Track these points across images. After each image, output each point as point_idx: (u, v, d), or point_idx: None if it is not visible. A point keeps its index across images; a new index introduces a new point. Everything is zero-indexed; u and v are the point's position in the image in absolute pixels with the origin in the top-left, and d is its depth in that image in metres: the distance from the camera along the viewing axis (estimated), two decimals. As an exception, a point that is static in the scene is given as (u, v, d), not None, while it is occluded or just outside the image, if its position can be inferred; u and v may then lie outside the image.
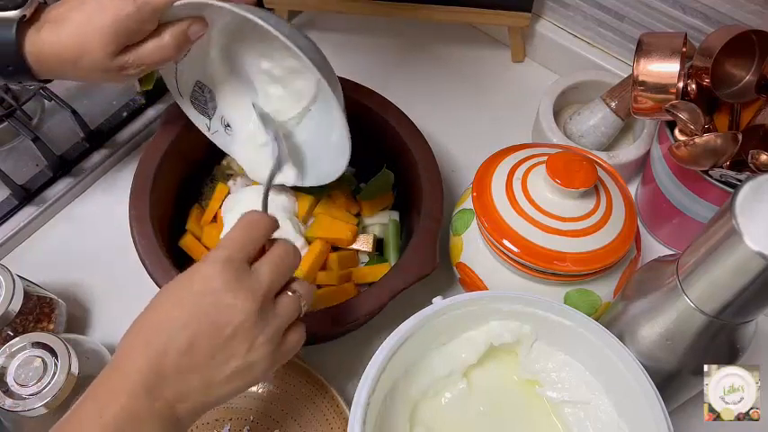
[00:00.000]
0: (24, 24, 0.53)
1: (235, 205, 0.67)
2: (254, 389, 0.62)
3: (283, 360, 0.46)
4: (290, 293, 0.46)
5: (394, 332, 0.52)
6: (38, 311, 0.63)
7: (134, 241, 0.60)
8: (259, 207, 0.49)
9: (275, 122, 0.63)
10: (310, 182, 0.64)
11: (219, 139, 0.67)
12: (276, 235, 0.47)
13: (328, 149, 0.62)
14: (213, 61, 0.63)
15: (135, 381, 0.41)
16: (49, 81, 0.59)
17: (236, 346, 0.43)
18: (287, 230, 0.64)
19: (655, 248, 0.74)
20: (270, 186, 0.53)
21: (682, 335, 0.50)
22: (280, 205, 0.66)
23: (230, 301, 0.42)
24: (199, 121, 0.65)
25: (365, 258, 0.68)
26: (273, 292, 0.45)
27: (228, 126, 0.66)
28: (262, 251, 0.46)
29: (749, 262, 0.42)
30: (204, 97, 0.65)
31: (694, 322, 0.48)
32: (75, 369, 0.55)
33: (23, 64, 0.53)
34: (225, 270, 0.43)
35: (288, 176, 0.64)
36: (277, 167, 0.56)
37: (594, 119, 0.76)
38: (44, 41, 0.53)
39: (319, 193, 0.68)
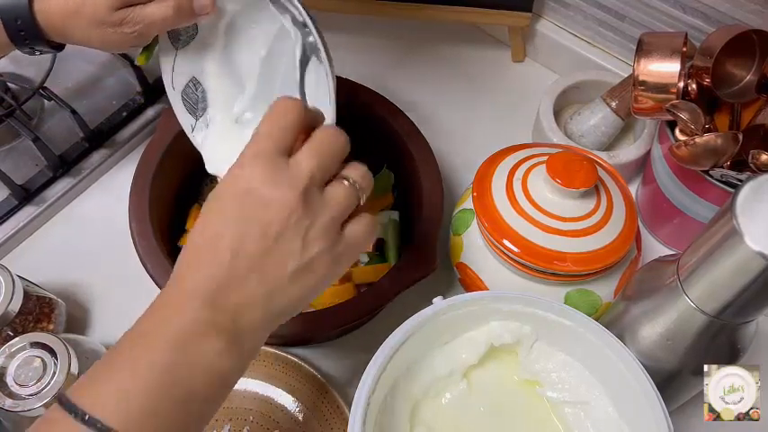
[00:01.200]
0: None
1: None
2: (254, 389, 0.62)
3: (350, 256, 0.42)
4: (343, 182, 0.42)
5: (394, 332, 0.52)
6: (37, 311, 0.63)
7: (134, 241, 0.60)
8: None
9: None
10: None
11: (197, 139, 0.64)
12: None
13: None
14: (213, 59, 0.62)
15: (192, 295, 0.39)
16: (59, 48, 0.59)
17: (288, 244, 0.39)
18: None
19: (655, 248, 0.74)
20: (305, 73, 0.49)
21: (682, 335, 0.50)
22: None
23: (269, 196, 0.39)
24: (184, 118, 0.64)
25: (365, 258, 0.68)
26: (319, 180, 0.41)
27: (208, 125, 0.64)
28: (304, 141, 0.42)
29: (750, 262, 0.42)
30: (196, 96, 0.63)
31: (695, 322, 0.48)
32: (74, 369, 0.55)
33: (34, 24, 0.54)
34: (255, 165, 0.40)
35: None
36: (305, 59, 0.52)
37: (595, 119, 0.76)
38: None
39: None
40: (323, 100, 0.56)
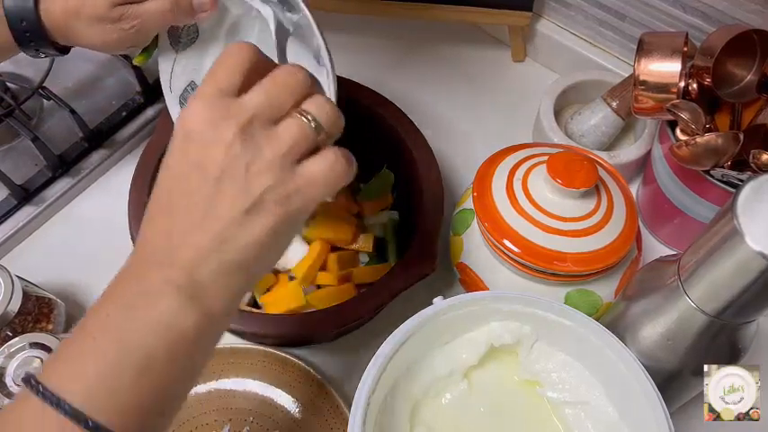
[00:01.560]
0: None
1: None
2: (254, 389, 0.62)
3: (307, 197, 0.38)
4: (297, 116, 0.38)
5: (394, 332, 0.52)
6: (37, 312, 0.63)
7: (133, 241, 0.60)
8: None
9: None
10: None
11: None
12: None
13: None
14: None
15: (146, 257, 0.38)
16: (63, 51, 0.59)
17: (230, 184, 0.37)
18: None
19: (656, 248, 0.74)
20: (284, 50, 0.49)
21: (683, 335, 0.50)
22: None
23: (209, 136, 0.37)
24: None
25: (365, 258, 0.68)
26: (268, 115, 0.38)
27: None
28: (256, 77, 0.39)
29: (750, 262, 0.41)
30: None
31: (695, 322, 0.48)
32: (74, 369, 0.54)
33: (39, 25, 0.55)
34: (195, 106, 0.38)
35: None
36: (281, 32, 0.51)
37: (595, 118, 0.75)
38: None
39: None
40: None
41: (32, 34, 0.56)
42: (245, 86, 0.38)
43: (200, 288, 0.37)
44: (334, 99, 0.53)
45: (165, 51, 0.61)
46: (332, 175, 0.39)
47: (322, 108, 0.39)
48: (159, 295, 0.36)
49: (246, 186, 0.37)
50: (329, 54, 0.52)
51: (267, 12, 0.53)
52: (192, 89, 0.63)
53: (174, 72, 0.62)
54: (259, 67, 0.39)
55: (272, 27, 0.52)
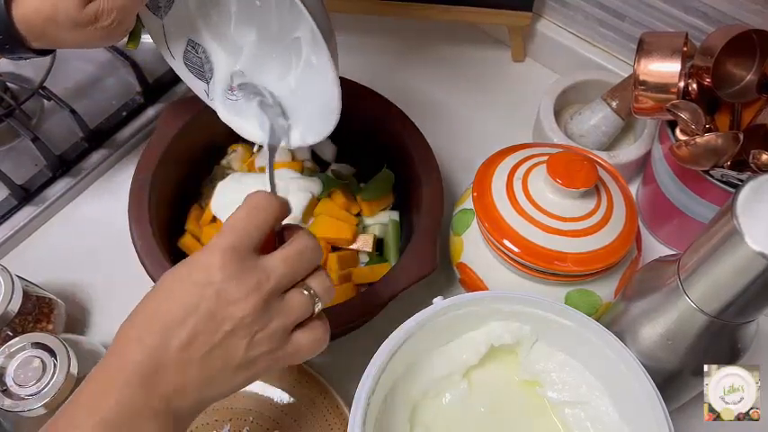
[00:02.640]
0: None
1: (226, 200, 0.65)
2: (254, 389, 0.62)
3: (290, 361, 0.44)
4: (303, 291, 0.43)
5: (394, 332, 0.52)
6: (37, 312, 0.63)
7: (133, 242, 0.60)
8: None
9: (256, 87, 0.58)
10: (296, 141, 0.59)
11: (222, 109, 0.62)
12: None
13: (314, 104, 0.58)
14: (201, 13, 0.59)
15: (131, 374, 0.39)
16: (45, 53, 0.57)
17: (236, 342, 0.41)
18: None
19: (655, 248, 0.74)
20: (273, 162, 0.48)
21: (683, 335, 0.50)
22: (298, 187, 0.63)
23: (231, 295, 0.40)
24: (195, 85, 0.62)
25: (365, 258, 0.68)
26: (283, 288, 0.42)
27: (234, 90, 0.61)
28: (272, 237, 0.43)
29: (750, 262, 0.41)
30: (199, 58, 0.61)
31: (695, 322, 0.48)
32: (74, 369, 0.55)
33: (14, 31, 0.52)
34: (226, 259, 0.40)
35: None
36: (274, 140, 0.52)
37: (595, 118, 0.75)
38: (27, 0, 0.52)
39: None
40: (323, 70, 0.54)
41: (6, 40, 0.53)
42: (267, 241, 0.43)
43: (173, 417, 0.41)
44: (335, 83, 0.52)
45: (151, 23, 0.59)
46: (316, 347, 0.44)
47: (323, 283, 0.44)
48: (137, 418, 0.39)
49: (248, 348, 0.41)
50: (324, 34, 0.50)
51: (262, 118, 0.55)
52: (192, 48, 0.61)
53: (168, 38, 0.60)
54: (280, 219, 0.44)
55: (266, 137, 0.53)
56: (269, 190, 0.46)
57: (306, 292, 0.43)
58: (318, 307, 0.44)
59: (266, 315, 0.41)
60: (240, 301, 0.40)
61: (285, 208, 0.44)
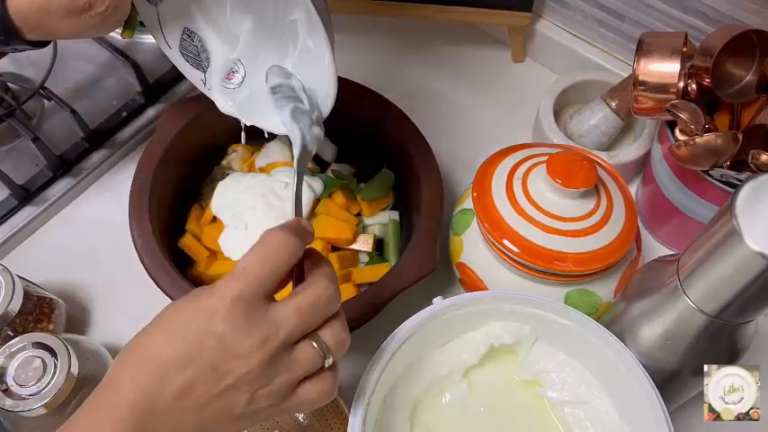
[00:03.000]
0: None
1: (227, 200, 0.64)
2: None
3: (294, 412, 0.41)
4: (313, 344, 0.40)
5: (394, 332, 0.52)
6: (37, 312, 0.63)
7: (133, 240, 0.60)
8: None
9: (294, 91, 0.55)
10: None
11: (220, 98, 0.60)
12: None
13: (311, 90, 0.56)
14: (191, 1, 0.58)
15: (124, 417, 0.37)
16: (41, 45, 0.56)
17: (237, 397, 0.39)
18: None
19: (655, 248, 0.74)
20: (301, 180, 0.45)
21: (682, 335, 0.50)
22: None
23: (236, 349, 0.38)
24: (192, 75, 0.61)
25: (365, 258, 0.68)
26: (293, 340, 0.39)
27: (232, 78, 0.60)
28: (290, 276, 0.40)
29: (750, 262, 0.42)
30: (195, 47, 0.60)
31: (695, 322, 0.48)
32: (74, 369, 0.55)
33: (10, 23, 0.51)
34: (234, 309, 0.38)
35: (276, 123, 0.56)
36: (306, 154, 0.48)
37: (595, 119, 0.76)
38: None
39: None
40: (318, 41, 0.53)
41: (4, 35, 0.52)
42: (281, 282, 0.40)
43: None
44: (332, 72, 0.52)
45: (146, 12, 0.58)
46: (322, 399, 0.42)
47: (337, 336, 0.41)
48: None
49: (248, 403, 0.39)
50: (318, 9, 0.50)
51: (293, 129, 0.52)
52: (188, 36, 0.60)
53: (163, 27, 0.59)
54: (299, 257, 0.40)
55: (297, 152, 0.50)
56: (292, 211, 0.43)
57: (316, 346, 0.40)
58: (329, 362, 0.41)
59: (272, 371, 0.39)
60: (245, 356, 0.38)
61: (305, 242, 0.41)
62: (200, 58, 0.61)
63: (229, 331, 0.38)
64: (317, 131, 0.52)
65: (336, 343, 0.41)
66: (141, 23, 0.60)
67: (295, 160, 0.49)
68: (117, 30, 0.56)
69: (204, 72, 0.61)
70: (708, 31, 0.70)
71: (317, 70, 0.54)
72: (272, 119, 0.57)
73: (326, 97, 0.55)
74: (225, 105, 0.60)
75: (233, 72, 0.60)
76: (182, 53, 0.61)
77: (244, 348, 0.38)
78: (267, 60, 0.59)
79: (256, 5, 0.57)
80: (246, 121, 0.60)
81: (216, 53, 0.61)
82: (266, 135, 0.60)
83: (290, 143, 0.73)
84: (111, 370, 0.40)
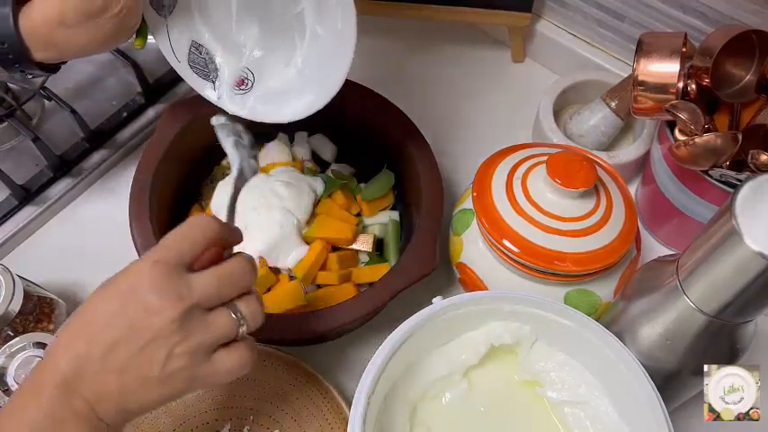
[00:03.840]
0: (18, 4, 0.52)
1: (227, 199, 0.66)
2: (254, 389, 0.62)
3: (211, 380, 0.43)
4: (229, 311, 0.43)
5: (394, 332, 0.52)
6: (38, 312, 0.63)
7: (134, 239, 0.60)
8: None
9: (236, 128, 0.58)
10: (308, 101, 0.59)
11: (231, 105, 0.61)
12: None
13: (321, 72, 0.59)
14: (203, 14, 0.59)
15: (55, 380, 0.41)
16: (52, 70, 0.57)
17: (154, 353, 0.41)
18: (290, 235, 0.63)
19: (655, 248, 0.74)
20: (236, 198, 0.50)
21: (682, 335, 0.50)
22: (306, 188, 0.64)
23: (152, 304, 0.40)
24: (203, 87, 0.62)
25: (365, 258, 0.68)
26: (208, 304, 0.42)
27: (241, 85, 0.61)
28: (217, 259, 0.44)
29: (749, 262, 0.42)
30: (203, 59, 0.61)
31: (694, 322, 0.48)
32: (75, 369, 0.55)
33: (21, 45, 0.52)
34: (153, 270, 0.41)
35: (296, 107, 0.59)
36: (240, 181, 0.53)
37: (595, 119, 0.76)
38: (33, 8, 0.52)
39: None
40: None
41: (15, 55, 0.53)
42: (200, 258, 0.43)
43: (100, 419, 0.42)
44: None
45: (156, 24, 0.59)
46: (237, 368, 0.44)
47: (251, 307, 0.44)
48: (65, 422, 0.41)
49: (165, 362, 0.41)
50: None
51: (234, 156, 0.55)
52: (197, 48, 0.61)
53: (172, 40, 0.60)
54: (218, 239, 0.44)
55: (234, 173, 0.53)
56: (225, 218, 0.47)
57: (232, 314, 0.43)
58: (243, 330, 0.44)
59: (185, 329, 0.41)
60: (161, 312, 0.40)
61: (225, 230, 0.44)
62: (208, 70, 0.62)
63: (148, 289, 0.41)
64: (254, 164, 0.55)
65: (251, 312, 0.44)
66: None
67: (233, 179, 0.52)
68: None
69: (213, 83, 0.62)
70: (707, 31, 0.70)
71: (328, 51, 0.57)
72: (284, 111, 0.59)
73: (338, 74, 0.59)
74: (238, 112, 0.61)
75: (242, 79, 0.62)
76: (190, 66, 0.62)
77: (160, 306, 0.40)
78: (277, 62, 0.60)
79: (262, 6, 0.58)
80: (260, 119, 0.61)
81: (224, 64, 0.62)
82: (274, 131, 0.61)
83: (290, 143, 0.74)
84: (58, 336, 0.43)
